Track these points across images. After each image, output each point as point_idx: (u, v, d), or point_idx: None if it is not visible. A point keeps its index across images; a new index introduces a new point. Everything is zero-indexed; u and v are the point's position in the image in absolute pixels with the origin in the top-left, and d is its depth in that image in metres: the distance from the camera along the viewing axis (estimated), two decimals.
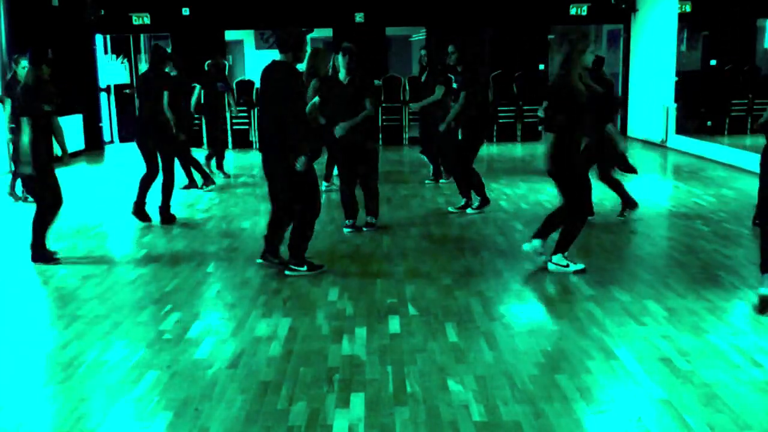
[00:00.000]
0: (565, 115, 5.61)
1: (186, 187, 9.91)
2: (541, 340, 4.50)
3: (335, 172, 10.30)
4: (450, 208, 8.28)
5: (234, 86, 11.66)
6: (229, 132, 14.04)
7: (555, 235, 5.99)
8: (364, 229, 7.36)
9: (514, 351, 4.34)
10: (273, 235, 6.12)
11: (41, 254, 6.40)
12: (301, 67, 6.81)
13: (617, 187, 7.66)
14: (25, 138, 6.12)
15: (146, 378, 4.06)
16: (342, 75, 7.14)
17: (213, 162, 11.04)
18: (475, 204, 8.24)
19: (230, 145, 14.29)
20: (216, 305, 5.41)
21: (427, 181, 10.22)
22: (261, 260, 6.19)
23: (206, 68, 11.23)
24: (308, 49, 9.16)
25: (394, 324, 4.82)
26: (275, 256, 6.13)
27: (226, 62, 11.47)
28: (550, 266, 5.96)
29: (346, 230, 7.38)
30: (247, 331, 4.74)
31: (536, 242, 6.01)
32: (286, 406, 3.71)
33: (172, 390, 3.91)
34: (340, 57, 7.13)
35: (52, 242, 6.55)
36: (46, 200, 6.35)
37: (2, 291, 5.85)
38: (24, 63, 8.89)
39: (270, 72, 5.82)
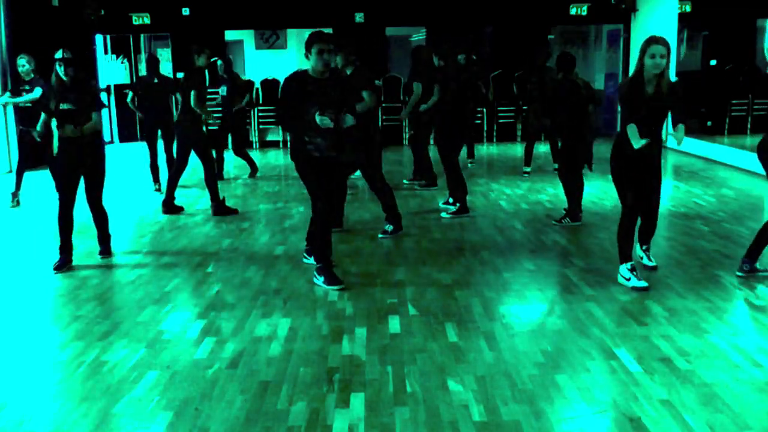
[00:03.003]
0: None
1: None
2: (541, 340, 4.50)
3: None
4: (443, 215, 8.09)
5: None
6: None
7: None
8: (380, 236, 7.13)
9: (514, 351, 4.34)
10: (313, 237, 6.09)
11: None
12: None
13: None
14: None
15: (146, 378, 4.06)
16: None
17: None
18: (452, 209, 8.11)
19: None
20: (216, 305, 5.41)
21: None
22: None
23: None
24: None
25: (394, 324, 4.82)
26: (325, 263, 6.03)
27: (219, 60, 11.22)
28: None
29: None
30: (247, 331, 4.74)
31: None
32: (286, 406, 3.71)
33: (172, 390, 3.91)
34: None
35: (50, 245, 6.53)
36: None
37: (2, 291, 5.86)
38: (22, 62, 8.89)
39: None
